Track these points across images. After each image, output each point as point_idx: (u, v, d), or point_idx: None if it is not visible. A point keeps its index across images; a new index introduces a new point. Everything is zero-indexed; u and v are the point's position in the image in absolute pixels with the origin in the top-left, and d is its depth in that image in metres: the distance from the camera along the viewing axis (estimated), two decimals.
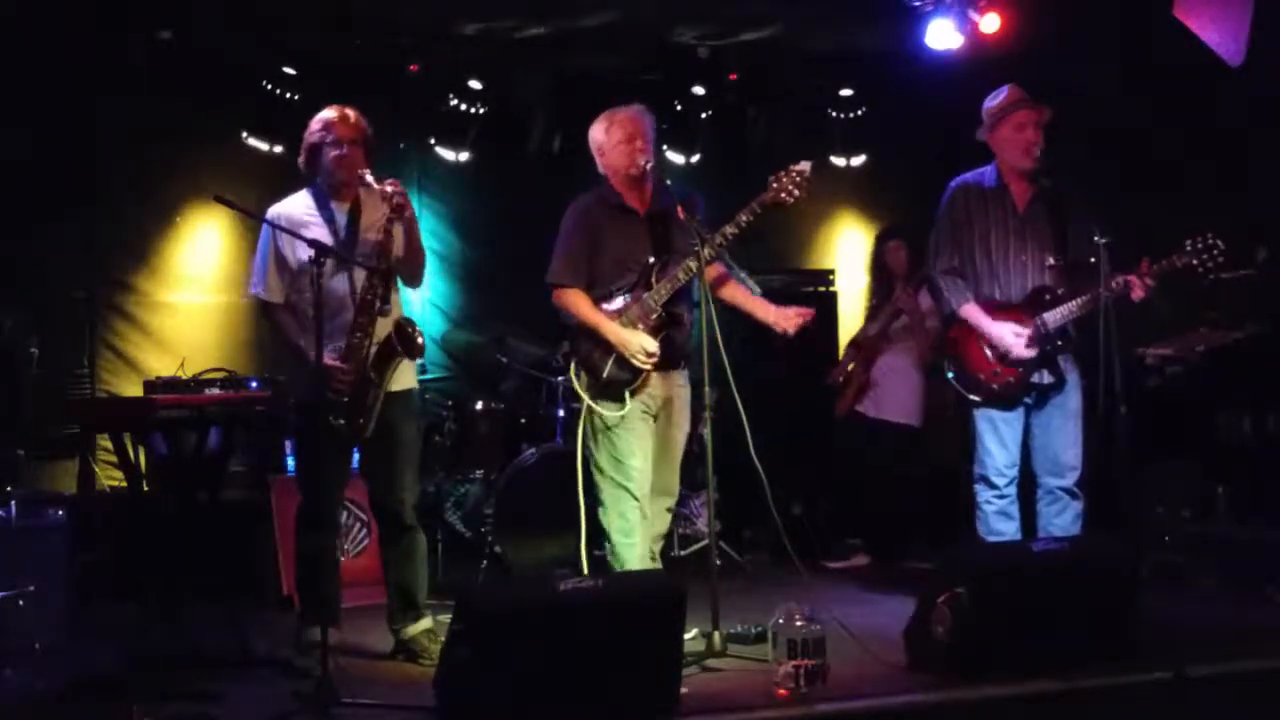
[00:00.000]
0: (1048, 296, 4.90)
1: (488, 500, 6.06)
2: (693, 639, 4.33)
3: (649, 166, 4.65)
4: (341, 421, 4.35)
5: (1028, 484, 5.03)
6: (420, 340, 4.45)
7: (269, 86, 6.49)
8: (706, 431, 4.45)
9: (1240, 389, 6.00)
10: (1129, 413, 4.44)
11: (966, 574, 4.06)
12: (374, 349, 4.39)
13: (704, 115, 7.34)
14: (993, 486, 4.97)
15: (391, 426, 4.52)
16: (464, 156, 7.14)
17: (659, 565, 4.83)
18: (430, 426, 6.67)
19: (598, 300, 4.68)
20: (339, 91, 6.26)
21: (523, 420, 6.63)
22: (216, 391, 5.75)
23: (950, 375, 5.08)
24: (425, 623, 4.58)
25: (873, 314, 6.76)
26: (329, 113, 4.53)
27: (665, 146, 7.20)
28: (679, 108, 7.26)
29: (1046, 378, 4.92)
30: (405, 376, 4.59)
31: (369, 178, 4.42)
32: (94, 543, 5.46)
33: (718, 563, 4.64)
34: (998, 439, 4.96)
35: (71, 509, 5.05)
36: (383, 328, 4.43)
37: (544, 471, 5.88)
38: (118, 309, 6.67)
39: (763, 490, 4.48)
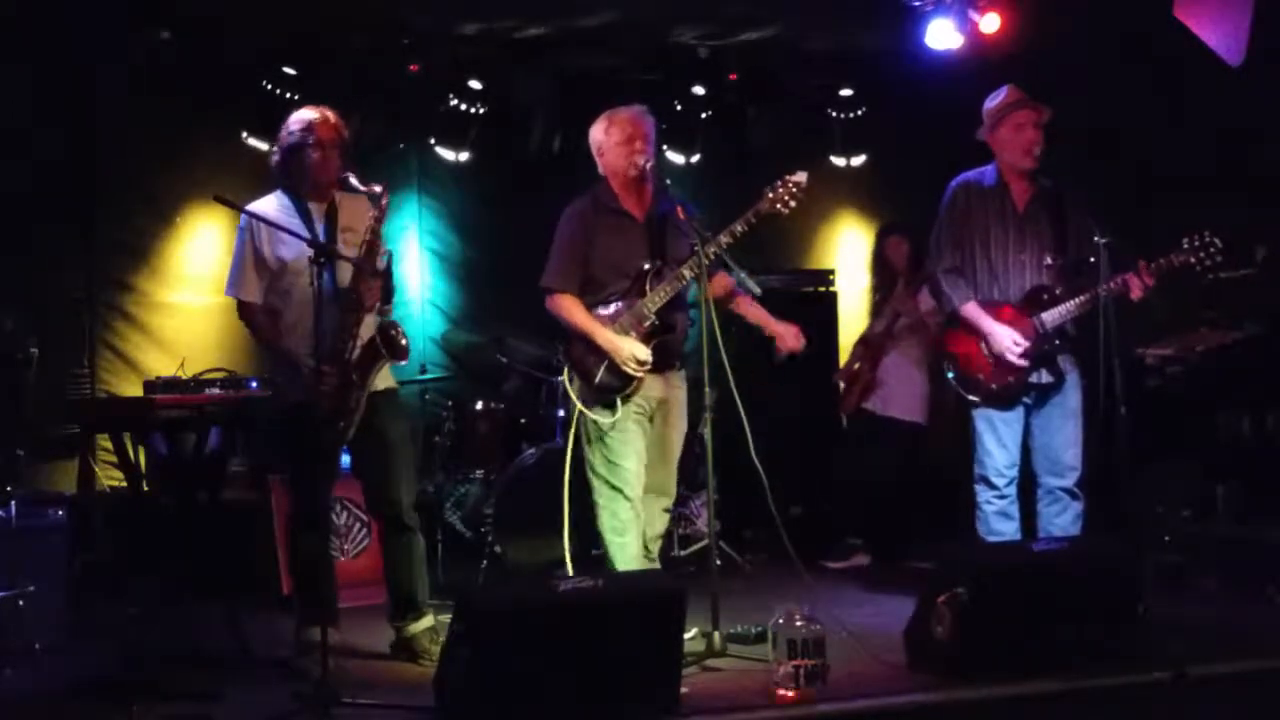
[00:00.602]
0: (1046, 296, 4.91)
1: (488, 500, 6.05)
2: (693, 639, 4.33)
3: (649, 167, 4.64)
4: (324, 426, 4.30)
5: (1028, 484, 5.03)
6: (404, 342, 4.42)
7: (269, 86, 6.49)
8: (706, 432, 4.45)
9: (1240, 389, 6.00)
10: (1129, 413, 4.44)
11: (966, 574, 4.06)
12: (358, 351, 4.37)
13: (704, 115, 7.34)
14: (992, 487, 4.98)
15: (379, 427, 4.49)
16: (464, 156, 7.14)
17: (657, 565, 4.83)
18: (430, 426, 6.68)
19: (591, 306, 4.67)
20: (339, 92, 6.30)
21: (523, 420, 6.63)
22: (216, 391, 5.76)
23: (949, 375, 5.09)
24: (427, 621, 4.58)
25: (877, 309, 6.78)
26: (309, 114, 4.47)
27: (665, 146, 7.20)
28: (679, 108, 7.26)
29: (1046, 377, 4.93)
30: (384, 376, 4.55)
31: (354, 180, 4.40)
32: (94, 543, 5.47)
33: (718, 563, 4.64)
34: (997, 439, 4.96)
35: (71, 509, 5.05)
36: (367, 330, 4.41)
37: (544, 471, 5.87)
38: (118, 309, 6.66)
39: (763, 490, 4.48)
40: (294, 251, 4.33)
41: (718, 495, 4.65)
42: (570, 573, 4.47)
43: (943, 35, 6.17)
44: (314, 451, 4.32)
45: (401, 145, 7.21)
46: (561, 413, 6.22)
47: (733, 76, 7.27)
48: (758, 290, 4.64)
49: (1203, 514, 5.87)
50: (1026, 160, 4.91)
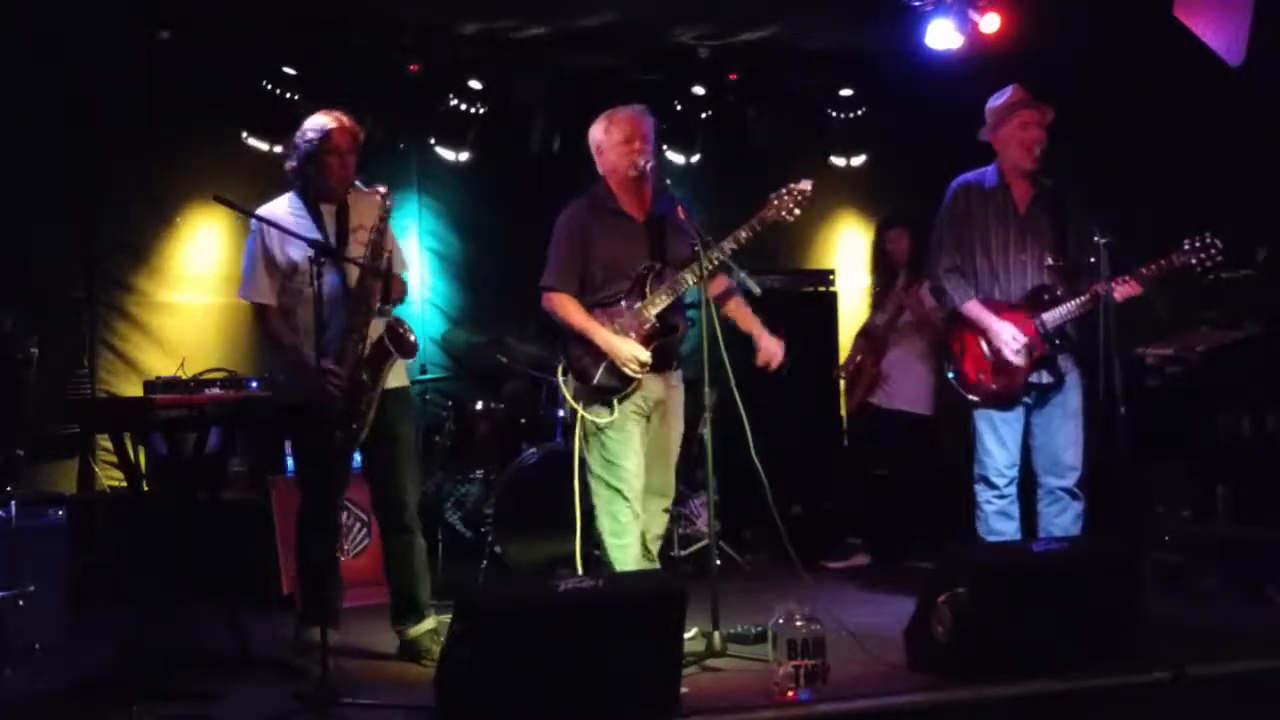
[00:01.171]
0: (1047, 296, 4.91)
1: (488, 500, 6.05)
2: (693, 639, 4.33)
3: (649, 168, 4.63)
4: (336, 427, 4.31)
5: (1028, 484, 5.03)
6: (412, 339, 4.44)
7: (269, 86, 6.49)
8: (706, 432, 4.45)
9: (1240, 389, 5.99)
10: (1129, 413, 4.44)
11: (966, 574, 4.05)
12: (368, 351, 4.38)
13: (704, 115, 7.33)
14: (993, 486, 4.98)
15: (390, 427, 4.51)
16: (464, 156, 7.14)
17: (657, 566, 4.83)
18: (430, 426, 6.68)
19: (591, 306, 4.66)
20: (339, 91, 6.29)
21: (523, 420, 6.63)
22: (216, 391, 5.76)
23: (950, 375, 5.09)
24: (429, 623, 4.58)
25: (877, 302, 6.78)
26: (326, 121, 4.48)
27: (665, 146, 7.20)
28: (679, 108, 7.25)
29: (1046, 377, 4.93)
30: (398, 374, 4.58)
31: (358, 182, 4.45)
32: (94, 543, 5.47)
33: (718, 563, 4.64)
34: (998, 439, 4.96)
35: (71, 509, 5.05)
36: (376, 329, 4.42)
37: (544, 471, 5.88)
38: (118, 309, 6.66)
39: (763, 490, 4.48)
40: (304, 252, 4.34)
41: (718, 495, 4.65)
42: (581, 572, 4.46)
43: (943, 35, 6.17)
44: (322, 453, 4.32)
45: (401, 145, 7.21)
46: (561, 413, 6.22)
47: (733, 76, 7.27)
48: (758, 290, 4.64)
49: (1203, 514, 5.87)
50: (1029, 160, 4.91)
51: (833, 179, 7.71)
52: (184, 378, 5.91)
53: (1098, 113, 6.54)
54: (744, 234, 4.52)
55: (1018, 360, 4.86)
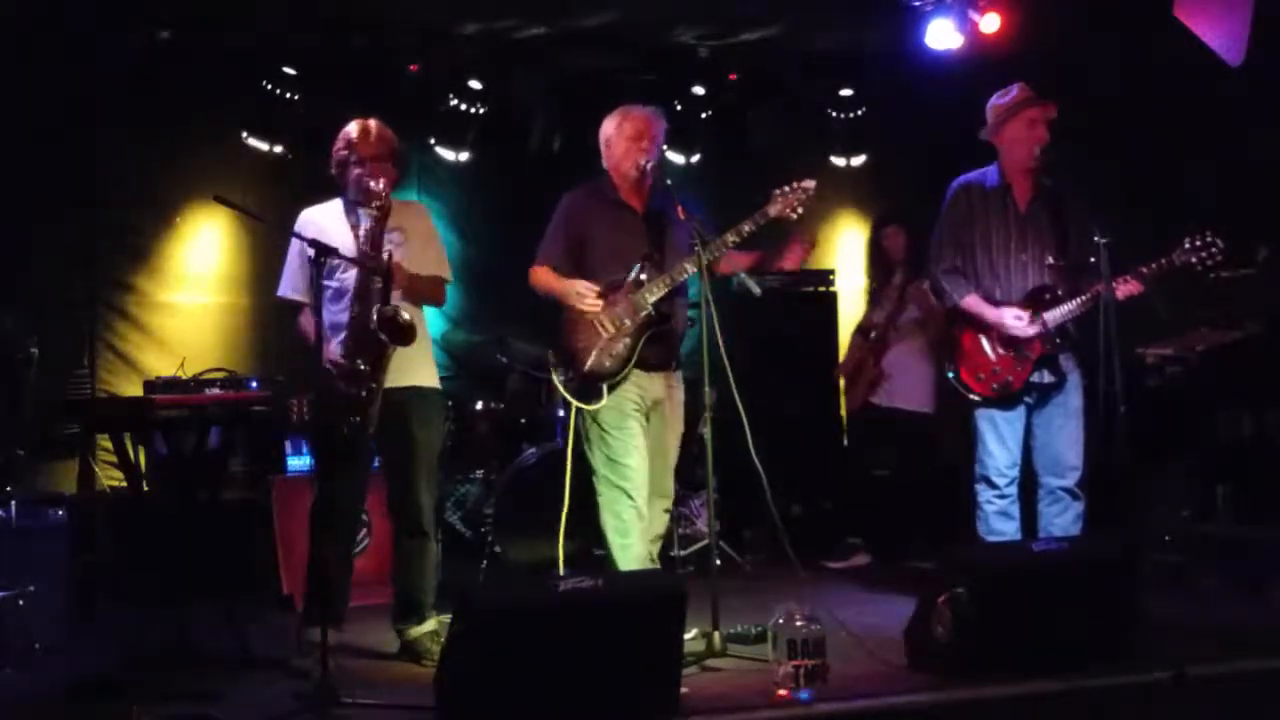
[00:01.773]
0: (1048, 296, 4.91)
1: (488, 500, 6.06)
2: (693, 639, 4.33)
3: (649, 168, 4.65)
4: (337, 416, 4.32)
5: (1029, 484, 5.03)
6: (402, 321, 4.32)
7: (269, 86, 6.49)
8: (706, 431, 4.45)
9: (1240, 389, 6.00)
10: (1129, 413, 4.44)
11: (966, 574, 4.06)
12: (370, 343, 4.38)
13: (704, 115, 7.34)
14: (993, 486, 4.98)
15: (405, 425, 4.51)
16: (464, 156, 7.14)
17: (658, 566, 4.83)
18: None
19: None
20: (339, 91, 6.30)
21: (523, 420, 6.63)
22: (216, 391, 5.75)
23: (950, 375, 5.09)
24: (430, 625, 4.58)
25: (874, 298, 6.78)
26: (351, 129, 4.56)
27: (665, 146, 7.18)
28: (679, 108, 7.25)
29: (1047, 377, 4.93)
30: (419, 372, 4.58)
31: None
32: (94, 543, 5.46)
33: (718, 563, 4.64)
34: (998, 439, 4.96)
35: (71, 509, 5.05)
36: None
37: (544, 471, 5.88)
38: (118, 309, 6.66)
39: (763, 490, 4.48)
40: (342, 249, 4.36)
41: (718, 495, 4.65)
42: (562, 570, 4.46)
43: (943, 35, 6.17)
44: (331, 447, 4.33)
45: (401, 145, 7.20)
46: (561, 412, 6.22)
47: (733, 76, 7.28)
48: (758, 290, 4.64)
49: (1203, 514, 5.87)
50: (1032, 158, 4.91)
51: (833, 179, 7.70)
52: (184, 378, 5.91)
53: (1098, 113, 6.54)
54: (747, 228, 4.53)
55: (1030, 330, 4.84)
